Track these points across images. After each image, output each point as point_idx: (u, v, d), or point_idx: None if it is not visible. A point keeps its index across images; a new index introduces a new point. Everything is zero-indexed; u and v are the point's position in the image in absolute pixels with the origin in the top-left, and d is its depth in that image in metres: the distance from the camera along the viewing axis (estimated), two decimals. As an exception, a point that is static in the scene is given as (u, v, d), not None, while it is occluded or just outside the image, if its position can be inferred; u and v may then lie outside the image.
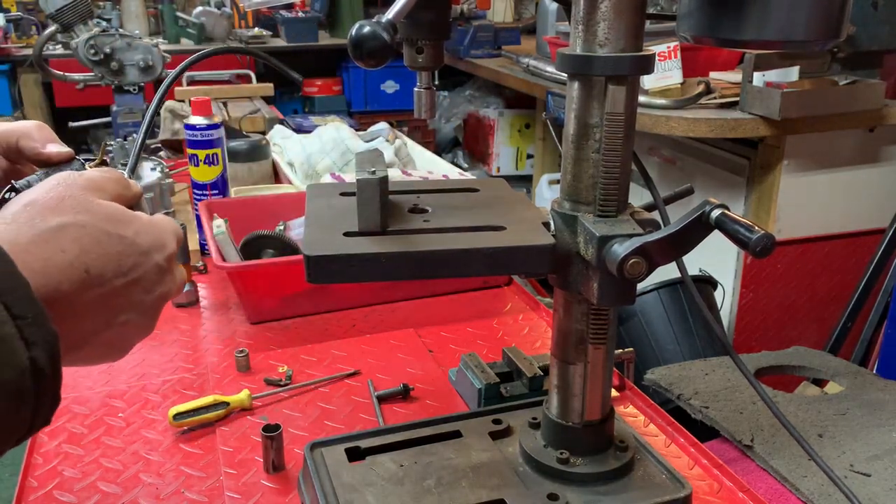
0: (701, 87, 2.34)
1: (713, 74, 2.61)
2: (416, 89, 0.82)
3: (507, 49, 3.89)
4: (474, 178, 1.35)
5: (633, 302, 0.71)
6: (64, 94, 4.04)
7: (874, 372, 1.95)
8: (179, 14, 4.44)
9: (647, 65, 0.69)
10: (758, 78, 2.22)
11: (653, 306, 2.22)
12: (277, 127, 2.14)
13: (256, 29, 4.58)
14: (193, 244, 1.50)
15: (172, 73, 0.94)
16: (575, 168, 0.73)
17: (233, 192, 1.65)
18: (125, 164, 1.70)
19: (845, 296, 2.30)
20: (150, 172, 1.74)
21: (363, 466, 0.83)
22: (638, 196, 0.77)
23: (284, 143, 1.94)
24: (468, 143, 4.83)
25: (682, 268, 0.86)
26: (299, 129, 2.25)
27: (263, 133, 2.25)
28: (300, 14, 4.66)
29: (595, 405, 0.80)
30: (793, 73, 2.27)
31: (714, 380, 1.56)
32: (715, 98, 2.34)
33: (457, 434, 0.88)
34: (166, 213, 1.72)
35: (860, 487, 1.26)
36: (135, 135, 1.84)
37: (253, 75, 3.10)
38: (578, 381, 0.79)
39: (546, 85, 3.09)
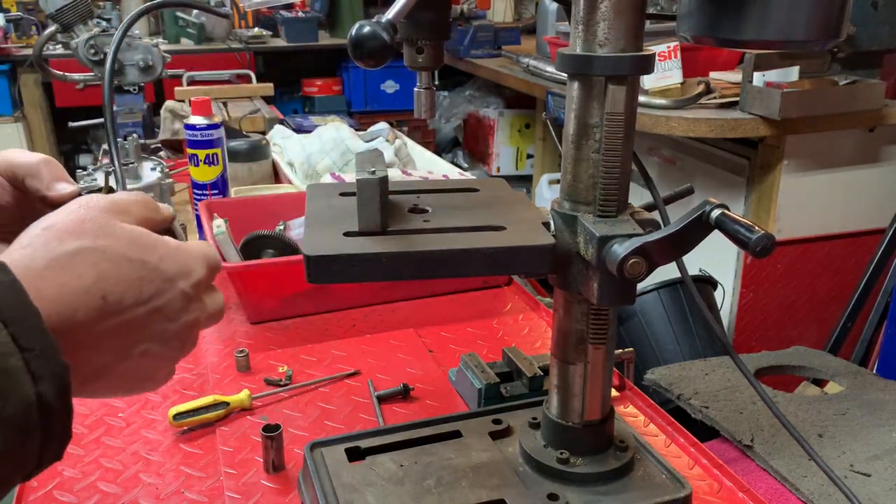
0: (701, 87, 2.34)
1: (713, 74, 2.61)
2: (416, 89, 0.82)
3: (507, 49, 3.89)
4: (474, 178, 1.35)
5: (633, 302, 0.71)
6: (64, 94, 4.04)
7: (874, 372, 1.95)
8: (179, 14, 4.45)
9: (647, 65, 0.69)
10: (758, 78, 2.22)
11: (653, 306, 2.22)
12: (277, 127, 2.14)
13: (256, 29, 4.58)
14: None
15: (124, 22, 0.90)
16: (575, 168, 0.73)
17: (233, 192, 1.65)
18: (125, 165, 1.70)
19: (845, 296, 2.30)
20: (150, 172, 1.74)
21: (363, 466, 0.83)
22: (638, 196, 0.77)
23: (284, 143, 1.94)
24: (468, 143, 4.83)
25: (682, 268, 0.86)
26: (299, 129, 2.25)
27: (263, 133, 2.25)
28: (300, 14, 4.67)
29: (595, 405, 0.80)
30: (793, 73, 2.27)
31: (714, 380, 1.56)
32: (715, 98, 2.34)
33: (457, 434, 0.88)
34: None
35: (860, 487, 1.26)
36: (135, 135, 1.84)
37: (253, 75, 3.10)
38: (578, 381, 0.79)
39: (546, 85, 3.10)
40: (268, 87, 2.95)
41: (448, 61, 3.56)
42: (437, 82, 0.83)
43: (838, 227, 2.48)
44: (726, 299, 2.48)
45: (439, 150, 4.80)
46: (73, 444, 0.96)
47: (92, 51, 1.98)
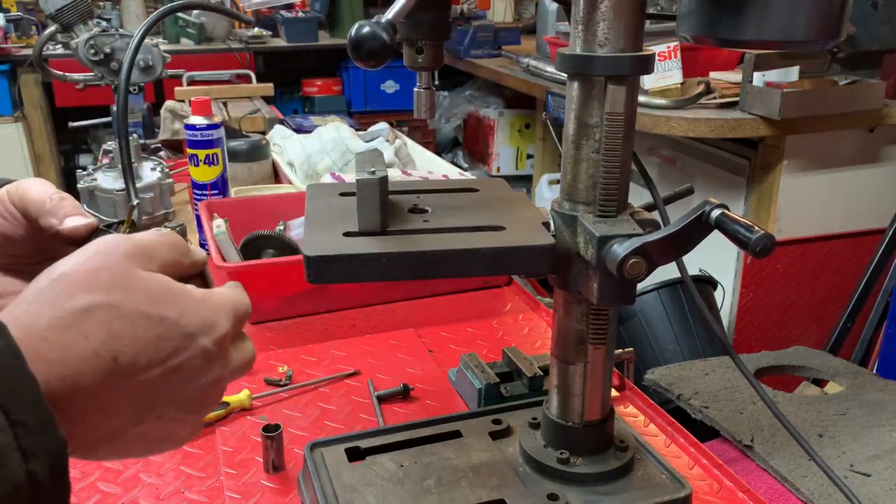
0: (701, 87, 2.34)
1: (713, 74, 2.61)
2: (416, 89, 0.82)
3: (507, 49, 3.89)
4: (474, 178, 1.35)
5: (633, 302, 0.71)
6: (64, 94, 4.04)
7: (874, 372, 1.95)
8: (179, 14, 4.44)
9: (647, 65, 0.69)
10: (758, 78, 2.22)
11: (653, 306, 2.22)
12: (277, 127, 2.14)
13: (256, 29, 4.58)
14: (193, 244, 1.50)
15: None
16: (575, 168, 0.73)
17: (233, 192, 1.65)
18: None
19: (845, 296, 2.30)
20: (150, 172, 1.74)
21: (363, 466, 0.83)
22: (638, 196, 0.77)
23: (284, 143, 1.94)
24: (468, 143, 4.83)
25: (682, 268, 0.86)
26: (299, 129, 2.25)
27: (263, 133, 2.26)
28: (300, 14, 4.66)
29: (595, 405, 0.80)
30: (793, 73, 2.27)
31: (714, 380, 1.56)
32: (715, 98, 2.34)
33: (457, 434, 0.88)
34: (166, 213, 1.73)
35: (860, 487, 1.26)
36: (136, 135, 1.84)
37: (253, 75, 3.10)
38: (578, 381, 0.79)
39: (546, 85, 3.10)
40: (268, 87, 2.95)
41: (448, 61, 3.55)
42: (436, 82, 0.83)
43: (838, 227, 2.48)
44: (726, 299, 2.48)
45: (439, 150, 4.80)
46: (73, 444, 0.96)
47: (92, 51, 1.98)
